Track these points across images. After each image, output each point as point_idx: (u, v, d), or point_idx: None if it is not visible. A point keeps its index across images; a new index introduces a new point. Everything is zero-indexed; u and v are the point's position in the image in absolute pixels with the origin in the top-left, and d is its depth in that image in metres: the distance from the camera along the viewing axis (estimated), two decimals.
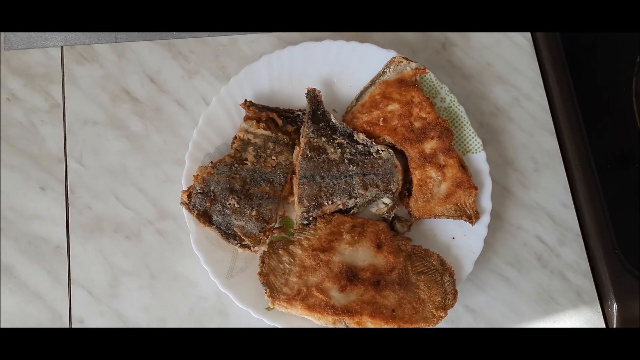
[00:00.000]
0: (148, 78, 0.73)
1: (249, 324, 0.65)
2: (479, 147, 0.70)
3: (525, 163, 0.74)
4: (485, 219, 0.67)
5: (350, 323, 0.61)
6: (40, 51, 0.73)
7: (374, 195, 0.66)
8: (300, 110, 0.71)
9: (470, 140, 0.70)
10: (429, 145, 0.68)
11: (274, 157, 0.67)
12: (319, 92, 0.69)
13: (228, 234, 0.64)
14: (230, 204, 0.64)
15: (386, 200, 0.67)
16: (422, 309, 0.62)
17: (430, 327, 0.61)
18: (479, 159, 0.69)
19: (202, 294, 0.66)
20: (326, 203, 0.66)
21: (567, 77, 0.76)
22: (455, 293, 0.63)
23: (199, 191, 0.63)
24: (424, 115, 0.68)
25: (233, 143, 0.67)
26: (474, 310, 0.68)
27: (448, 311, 0.62)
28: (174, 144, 0.71)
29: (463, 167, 0.68)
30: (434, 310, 0.62)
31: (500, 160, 0.73)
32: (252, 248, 0.64)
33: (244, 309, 0.62)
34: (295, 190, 0.66)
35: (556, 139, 0.75)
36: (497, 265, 0.69)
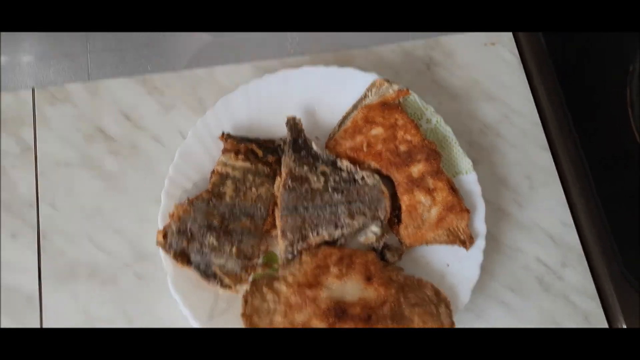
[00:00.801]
0: (123, 115, 0.71)
1: None
2: (469, 168, 0.66)
3: (519, 181, 0.70)
4: (480, 243, 0.63)
5: None
6: (11, 94, 0.71)
7: (361, 224, 0.63)
8: (280, 139, 0.68)
9: (459, 161, 0.67)
10: (416, 169, 0.65)
11: (254, 190, 0.64)
12: (300, 120, 0.67)
13: (208, 274, 0.60)
14: (208, 242, 0.60)
15: (374, 228, 0.64)
16: None
17: None
18: (469, 180, 0.66)
19: None
20: (311, 235, 0.62)
21: (557, 89, 0.73)
22: (452, 325, 0.59)
23: (175, 230, 0.60)
24: (409, 138, 0.66)
25: (211, 178, 0.64)
26: None
27: None
28: (151, 181, 0.68)
29: (453, 189, 0.65)
30: None
31: (493, 180, 0.70)
32: (233, 287, 0.60)
33: None
34: (278, 223, 0.63)
35: (550, 154, 0.72)
36: (496, 291, 0.65)
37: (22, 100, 0.71)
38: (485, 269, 0.65)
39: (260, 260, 0.63)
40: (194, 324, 0.59)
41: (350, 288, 0.60)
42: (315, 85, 0.70)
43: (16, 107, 0.70)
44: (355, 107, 0.69)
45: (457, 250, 0.63)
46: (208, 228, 0.61)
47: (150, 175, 0.68)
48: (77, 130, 0.70)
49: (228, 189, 0.63)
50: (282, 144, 0.67)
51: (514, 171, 0.71)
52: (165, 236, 0.60)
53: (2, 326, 0.62)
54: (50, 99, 0.71)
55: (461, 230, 0.63)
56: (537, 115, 0.73)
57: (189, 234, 0.60)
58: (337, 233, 0.63)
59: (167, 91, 0.73)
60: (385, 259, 0.64)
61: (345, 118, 0.69)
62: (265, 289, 0.60)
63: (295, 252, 0.62)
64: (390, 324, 0.58)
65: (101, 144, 0.70)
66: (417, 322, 0.59)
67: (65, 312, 0.62)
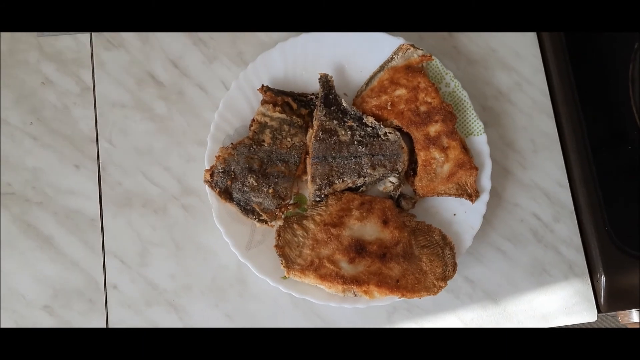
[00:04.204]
0: (171, 63, 0.78)
1: (266, 291, 0.71)
2: (480, 130, 0.74)
3: (524, 145, 0.78)
4: (484, 197, 0.72)
5: (358, 292, 0.67)
6: (70, 37, 0.78)
7: (381, 175, 0.71)
8: (313, 94, 0.75)
9: (472, 123, 0.75)
10: (434, 128, 0.72)
11: (289, 139, 0.72)
12: (331, 77, 0.74)
13: (247, 210, 0.69)
14: (249, 182, 0.69)
15: (393, 179, 0.72)
16: (424, 280, 0.68)
17: (432, 295, 0.67)
18: (480, 141, 0.74)
19: (224, 263, 0.72)
20: (337, 181, 0.71)
21: (567, 63, 0.80)
22: (454, 265, 0.69)
23: (220, 170, 0.69)
24: (429, 100, 0.73)
25: (251, 125, 0.73)
26: (473, 280, 0.73)
27: (448, 282, 0.68)
28: (195, 125, 0.76)
29: (465, 149, 0.72)
30: (434, 281, 0.68)
31: (501, 142, 0.78)
32: (269, 223, 0.69)
33: (262, 277, 0.68)
34: (309, 169, 0.71)
35: (554, 122, 0.79)
36: (495, 239, 0.75)
37: (81, 44, 0.78)
38: (487, 220, 0.74)
39: (291, 201, 0.72)
40: (234, 251, 0.68)
41: (369, 229, 0.69)
42: (347, 45, 0.77)
43: (76, 50, 0.78)
44: (382, 68, 0.76)
45: (464, 202, 0.72)
46: (249, 170, 0.70)
47: (194, 119, 0.77)
48: (130, 74, 0.77)
49: (267, 136, 0.71)
50: (314, 98, 0.75)
51: (520, 135, 0.78)
52: (212, 175, 0.69)
53: (69, 243, 0.71)
54: (106, 44, 0.78)
55: (469, 185, 0.72)
56: (547, 85, 0.80)
57: (233, 175, 0.69)
58: (359, 181, 0.71)
59: (210, 43, 0.80)
60: (401, 206, 0.73)
61: (372, 78, 0.76)
62: (295, 226, 0.70)
63: (323, 196, 0.71)
64: (402, 262, 0.68)
65: (152, 88, 0.77)
66: (425, 261, 0.69)
67: (122, 235, 0.72)
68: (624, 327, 0.80)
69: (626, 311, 0.77)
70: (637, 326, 0.77)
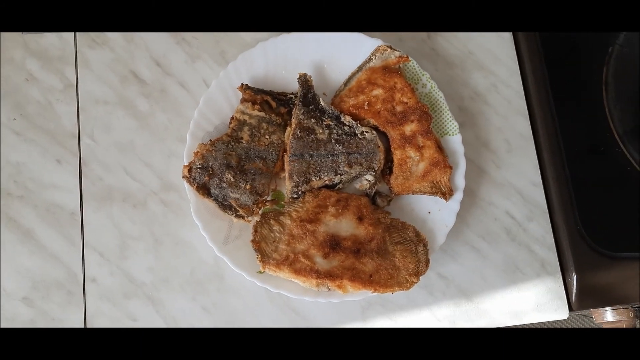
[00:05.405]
0: (154, 62, 0.80)
1: (243, 285, 0.72)
2: (455, 130, 0.76)
3: (499, 144, 0.80)
4: (458, 196, 0.73)
5: (332, 286, 0.68)
6: (55, 35, 0.80)
7: (357, 173, 0.73)
8: (292, 93, 0.77)
9: (448, 123, 0.76)
10: (409, 128, 0.74)
11: (267, 137, 0.74)
12: (310, 77, 0.76)
13: (224, 205, 0.71)
14: (226, 178, 0.71)
15: (369, 177, 0.73)
16: (397, 275, 0.69)
17: (404, 290, 0.68)
18: (455, 141, 0.76)
19: (202, 258, 0.73)
20: (314, 179, 0.72)
21: (542, 66, 0.82)
22: (427, 262, 0.70)
23: (198, 166, 0.71)
24: (405, 100, 0.75)
25: (230, 123, 0.74)
26: (446, 277, 0.75)
27: (420, 277, 0.69)
28: (177, 122, 0.78)
29: (440, 148, 0.74)
30: (407, 276, 0.69)
31: (477, 142, 0.80)
32: (246, 218, 0.71)
33: (238, 272, 0.69)
34: (286, 166, 0.73)
35: (529, 123, 0.81)
36: (468, 237, 0.76)
37: (65, 42, 0.79)
38: (461, 218, 0.75)
39: (269, 197, 0.73)
40: (211, 246, 0.70)
41: (344, 225, 0.70)
42: (326, 45, 0.79)
43: (60, 48, 0.79)
44: (360, 68, 0.78)
45: (438, 200, 0.74)
46: (227, 166, 0.71)
47: (176, 117, 0.78)
48: (113, 72, 0.79)
49: (245, 134, 0.73)
50: (293, 97, 0.77)
51: (495, 135, 0.80)
52: (190, 171, 0.70)
53: (49, 237, 0.73)
54: (90, 42, 0.80)
55: (443, 183, 0.73)
56: (522, 87, 0.82)
57: (210, 170, 0.71)
58: (336, 179, 0.73)
59: (193, 42, 0.81)
60: (376, 203, 0.74)
61: (350, 78, 0.78)
62: (272, 221, 0.71)
63: (300, 193, 0.72)
64: (375, 257, 0.69)
65: (134, 86, 0.79)
66: (398, 257, 0.70)
67: (102, 229, 0.73)
68: (598, 326, 0.81)
69: (600, 310, 0.79)
70: (612, 326, 0.79)
